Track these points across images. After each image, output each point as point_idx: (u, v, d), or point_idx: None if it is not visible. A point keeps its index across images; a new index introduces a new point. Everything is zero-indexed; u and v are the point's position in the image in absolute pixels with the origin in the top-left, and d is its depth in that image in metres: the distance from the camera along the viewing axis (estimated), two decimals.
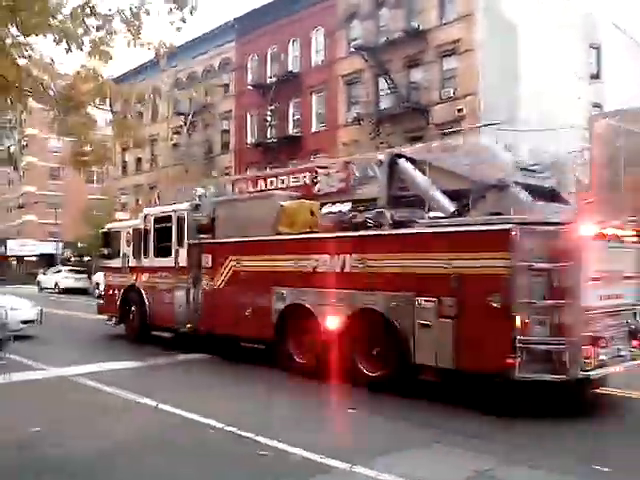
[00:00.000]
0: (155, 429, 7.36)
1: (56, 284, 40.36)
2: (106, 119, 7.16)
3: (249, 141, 38.71)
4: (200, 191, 14.22)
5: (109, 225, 17.52)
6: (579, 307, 7.60)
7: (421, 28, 29.71)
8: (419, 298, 8.65)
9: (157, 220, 14.18)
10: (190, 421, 7.57)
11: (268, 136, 37.05)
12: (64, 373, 10.70)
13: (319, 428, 7.52)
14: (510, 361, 7.55)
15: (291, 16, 35.59)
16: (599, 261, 8.01)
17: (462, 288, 8.16)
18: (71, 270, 41.62)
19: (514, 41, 29.41)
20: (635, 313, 8.77)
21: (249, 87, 38.48)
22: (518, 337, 7.53)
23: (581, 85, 28.99)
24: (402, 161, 10.12)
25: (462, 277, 8.17)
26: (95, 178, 61.66)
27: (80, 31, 5.98)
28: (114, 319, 15.61)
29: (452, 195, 9.50)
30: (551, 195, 9.59)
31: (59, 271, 42.76)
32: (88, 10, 5.89)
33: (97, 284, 26.30)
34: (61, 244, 55.37)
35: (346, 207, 11.11)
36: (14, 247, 62.49)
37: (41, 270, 46.87)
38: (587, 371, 7.63)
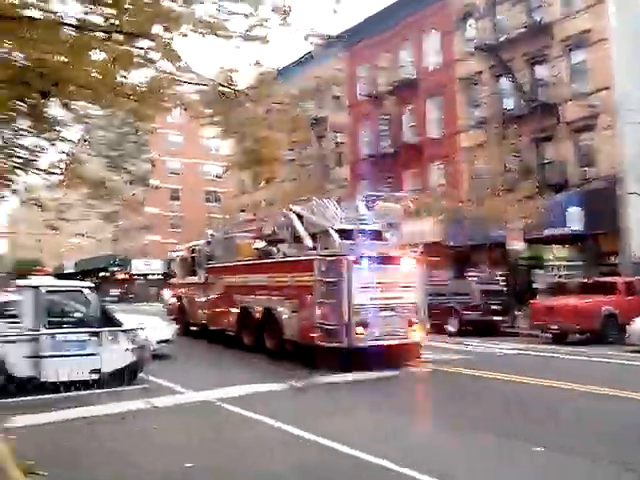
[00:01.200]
0: (318, 467, 6.63)
1: None
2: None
3: (364, 152, 37.99)
4: (211, 231, 21.59)
5: (171, 254, 25.77)
6: (351, 303, 12.88)
7: (545, 22, 27.92)
8: (285, 300, 14.62)
9: (191, 251, 21.73)
10: (356, 459, 6.73)
11: (383, 146, 36.15)
12: (206, 397, 10.30)
13: (510, 474, 6.48)
14: (314, 335, 13.23)
15: (402, 22, 34.69)
16: (366, 276, 13.15)
17: (298, 293, 14.11)
18: None
19: None
20: (414, 308, 13.84)
21: (362, 97, 37.91)
22: (318, 321, 13.17)
23: None
24: (292, 214, 15.69)
25: (298, 287, 14.13)
26: (214, 197, 63.47)
27: (223, 22, 5.37)
28: (175, 319, 21.15)
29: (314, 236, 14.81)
30: (370, 235, 14.33)
31: None
32: None
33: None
34: None
35: (262, 244, 17.32)
36: (139, 266, 65.11)
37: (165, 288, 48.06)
38: (360, 342, 12.81)
